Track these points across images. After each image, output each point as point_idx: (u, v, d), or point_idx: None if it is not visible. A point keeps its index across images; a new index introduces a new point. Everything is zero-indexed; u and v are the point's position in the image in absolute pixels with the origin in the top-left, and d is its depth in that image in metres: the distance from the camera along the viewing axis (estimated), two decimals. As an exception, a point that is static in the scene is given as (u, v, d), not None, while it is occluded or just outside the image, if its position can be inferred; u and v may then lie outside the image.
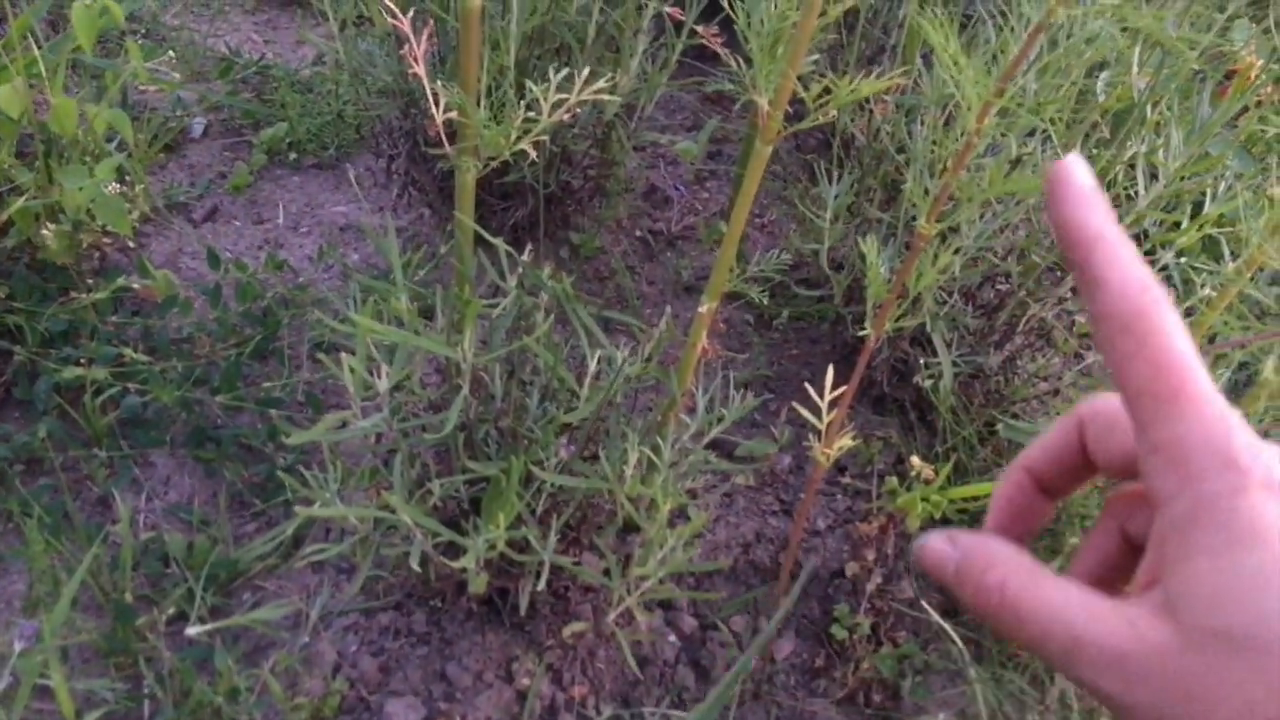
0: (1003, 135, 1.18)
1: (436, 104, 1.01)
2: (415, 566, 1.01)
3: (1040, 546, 1.22)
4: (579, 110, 1.03)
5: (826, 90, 0.87)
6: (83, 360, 1.40)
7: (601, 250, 1.77)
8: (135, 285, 1.54)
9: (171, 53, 2.05)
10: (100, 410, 1.37)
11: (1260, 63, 1.31)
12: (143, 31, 2.18)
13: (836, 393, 0.97)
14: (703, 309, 1.05)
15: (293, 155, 1.94)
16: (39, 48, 1.47)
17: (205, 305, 1.55)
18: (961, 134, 0.85)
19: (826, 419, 1.00)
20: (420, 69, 1.00)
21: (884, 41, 1.62)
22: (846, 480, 1.45)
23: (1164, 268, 1.33)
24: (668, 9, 1.46)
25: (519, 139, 1.01)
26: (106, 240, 1.65)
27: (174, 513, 1.33)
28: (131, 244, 1.70)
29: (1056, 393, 1.43)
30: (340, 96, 2.00)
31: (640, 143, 1.78)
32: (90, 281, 1.55)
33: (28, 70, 1.42)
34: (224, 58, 2.09)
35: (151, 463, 1.39)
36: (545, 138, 1.02)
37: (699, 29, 1.21)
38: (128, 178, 1.72)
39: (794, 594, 1.26)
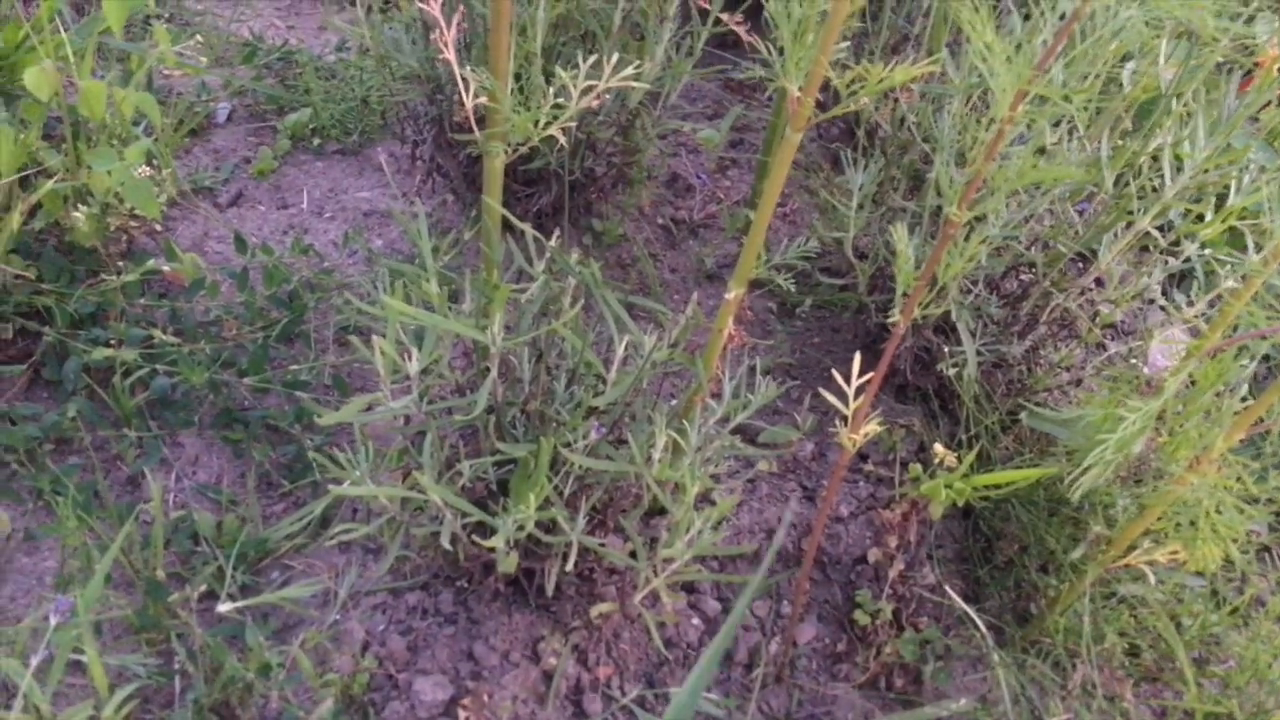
0: (1031, 124, 1.18)
1: (466, 89, 1.02)
2: (446, 545, 1.02)
3: (1063, 535, 1.22)
4: (605, 97, 1.03)
5: (858, 78, 0.87)
6: (112, 341, 1.41)
7: (624, 237, 1.78)
8: (163, 268, 1.55)
9: (198, 37, 2.06)
10: (129, 391, 1.39)
11: (1286, 55, 1.31)
12: (166, 16, 2.20)
13: (863, 379, 0.98)
14: (730, 295, 1.05)
15: (317, 141, 1.95)
16: (65, 30, 1.48)
17: (232, 288, 1.57)
18: (993, 122, 0.86)
19: (853, 405, 1.01)
20: (450, 54, 1.01)
21: (908, 30, 1.62)
22: (869, 468, 1.45)
23: (1188, 259, 1.34)
24: (694, -4, 1.47)
25: (548, 125, 1.02)
26: (134, 223, 1.67)
27: (203, 492, 1.35)
28: (159, 227, 1.71)
29: (1079, 382, 1.43)
30: (364, 82, 2.01)
31: (663, 130, 1.79)
32: (118, 264, 1.56)
33: (56, 53, 1.43)
34: (247, 43, 2.10)
35: (180, 443, 1.41)
36: (572, 124, 1.03)
37: (724, 17, 1.22)
38: (155, 161, 1.73)
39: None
